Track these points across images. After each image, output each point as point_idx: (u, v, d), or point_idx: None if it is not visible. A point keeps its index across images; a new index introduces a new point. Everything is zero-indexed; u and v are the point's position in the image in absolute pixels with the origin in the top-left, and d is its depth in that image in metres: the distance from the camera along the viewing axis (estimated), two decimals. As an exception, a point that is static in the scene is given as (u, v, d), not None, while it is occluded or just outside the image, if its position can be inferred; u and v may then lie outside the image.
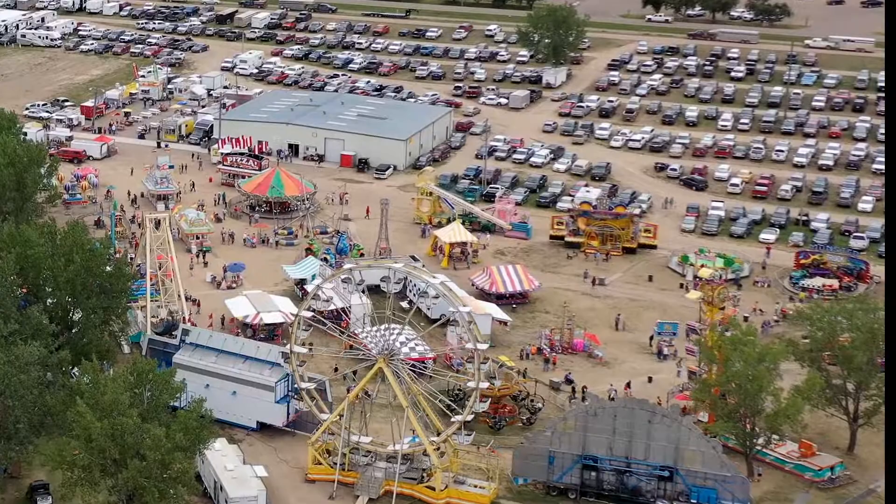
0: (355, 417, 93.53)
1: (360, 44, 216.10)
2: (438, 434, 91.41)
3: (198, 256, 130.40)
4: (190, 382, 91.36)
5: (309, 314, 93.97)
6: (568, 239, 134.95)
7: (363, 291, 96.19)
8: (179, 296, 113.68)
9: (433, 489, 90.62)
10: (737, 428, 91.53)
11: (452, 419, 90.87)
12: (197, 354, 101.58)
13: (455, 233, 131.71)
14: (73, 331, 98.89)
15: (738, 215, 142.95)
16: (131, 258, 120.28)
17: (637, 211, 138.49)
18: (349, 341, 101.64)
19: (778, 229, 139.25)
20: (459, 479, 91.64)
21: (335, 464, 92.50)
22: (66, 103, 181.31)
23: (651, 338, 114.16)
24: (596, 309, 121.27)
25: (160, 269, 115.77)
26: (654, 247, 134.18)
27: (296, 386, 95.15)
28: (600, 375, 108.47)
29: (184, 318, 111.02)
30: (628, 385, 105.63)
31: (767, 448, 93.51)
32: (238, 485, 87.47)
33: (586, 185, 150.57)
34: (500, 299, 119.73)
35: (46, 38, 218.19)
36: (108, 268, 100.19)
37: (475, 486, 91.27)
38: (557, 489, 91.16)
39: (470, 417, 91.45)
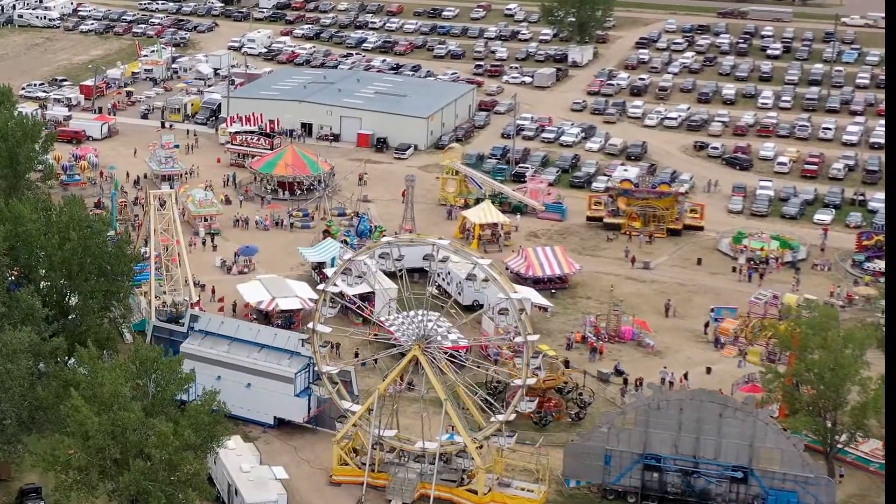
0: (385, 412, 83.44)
1: (374, 23, 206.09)
2: (480, 429, 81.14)
3: (204, 244, 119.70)
4: (199, 374, 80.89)
5: (336, 289, 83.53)
6: (607, 220, 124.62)
7: (400, 271, 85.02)
8: (187, 281, 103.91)
9: (475, 492, 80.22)
10: (817, 423, 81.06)
11: (492, 419, 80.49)
12: (207, 343, 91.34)
13: (485, 213, 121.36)
14: (70, 317, 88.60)
15: (789, 195, 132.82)
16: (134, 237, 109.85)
17: (683, 189, 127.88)
18: (376, 328, 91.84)
19: (833, 209, 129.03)
20: (504, 482, 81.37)
21: (363, 464, 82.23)
22: (65, 83, 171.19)
23: (706, 325, 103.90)
24: (643, 294, 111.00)
25: (166, 251, 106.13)
26: (700, 228, 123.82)
27: (316, 369, 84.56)
28: (653, 366, 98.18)
29: (192, 303, 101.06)
30: (685, 376, 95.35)
31: (849, 446, 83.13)
32: (255, 488, 77.38)
33: (622, 165, 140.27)
34: (538, 284, 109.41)
35: (45, 18, 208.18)
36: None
37: (522, 489, 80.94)
38: (615, 492, 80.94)
39: (512, 417, 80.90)
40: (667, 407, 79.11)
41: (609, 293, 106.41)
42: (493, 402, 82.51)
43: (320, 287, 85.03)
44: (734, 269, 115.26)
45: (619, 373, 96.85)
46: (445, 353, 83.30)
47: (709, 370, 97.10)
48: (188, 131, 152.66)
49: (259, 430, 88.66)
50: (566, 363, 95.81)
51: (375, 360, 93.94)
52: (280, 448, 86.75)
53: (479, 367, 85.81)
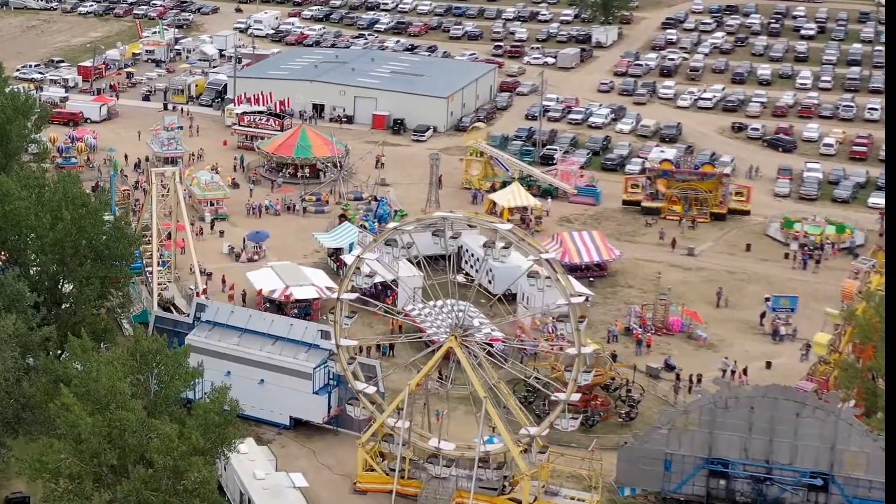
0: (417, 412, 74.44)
1: (386, 4, 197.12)
2: (534, 424, 71.75)
3: (201, 231, 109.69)
4: (207, 369, 71.84)
5: (352, 296, 74.29)
6: (645, 204, 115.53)
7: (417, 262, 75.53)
8: (193, 269, 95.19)
9: (519, 502, 71.04)
10: (903, 423, 71.83)
11: (553, 396, 71.01)
12: (215, 335, 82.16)
13: (514, 196, 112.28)
14: (63, 306, 79.55)
15: (839, 178, 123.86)
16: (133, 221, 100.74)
17: (727, 170, 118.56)
18: (401, 320, 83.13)
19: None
20: (551, 490, 72.20)
21: (392, 470, 73.11)
22: (62, 64, 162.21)
23: (762, 315, 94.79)
24: (689, 282, 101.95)
25: (168, 238, 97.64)
26: (746, 212, 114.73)
27: (349, 385, 75.32)
28: (706, 359, 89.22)
29: (197, 292, 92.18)
30: (745, 371, 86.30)
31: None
32: (271, 497, 68.36)
33: (658, 146, 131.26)
34: (574, 271, 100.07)
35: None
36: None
37: (572, 499, 71.80)
38: (676, 501, 71.59)
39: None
40: (735, 405, 69.93)
41: (654, 281, 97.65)
42: (547, 379, 73.52)
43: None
44: (787, 256, 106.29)
45: (669, 367, 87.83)
46: (484, 346, 74.17)
47: (769, 364, 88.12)
48: (182, 110, 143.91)
49: (274, 431, 79.65)
50: (613, 357, 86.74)
51: (392, 346, 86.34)
52: (297, 452, 77.69)
53: (522, 361, 76.79)
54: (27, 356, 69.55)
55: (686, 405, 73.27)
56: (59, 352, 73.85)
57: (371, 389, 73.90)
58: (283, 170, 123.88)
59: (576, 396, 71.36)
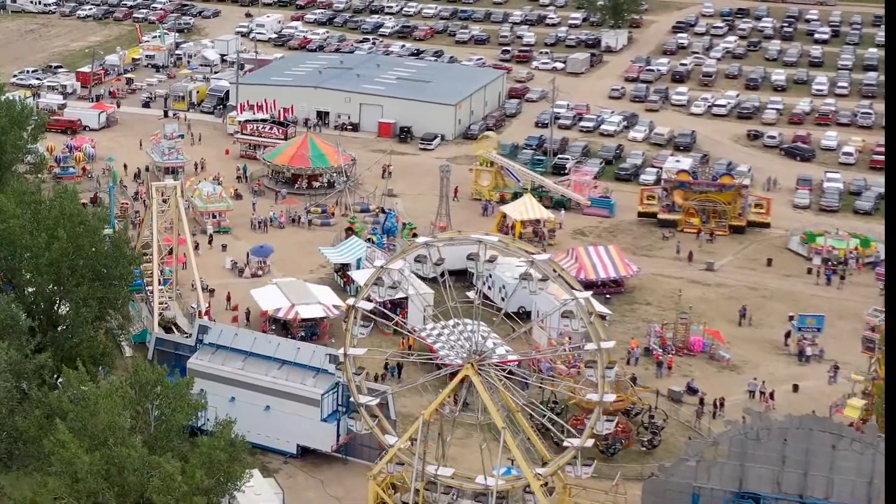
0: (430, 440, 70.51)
1: (391, 7, 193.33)
2: (544, 464, 68.27)
3: (197, 247, 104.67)
4: (210, 394, 68.37)
5: (369, 305, 70.30)
6: (661, 216, 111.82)
7: (443, 276, 71.02)
8: (194, 285, 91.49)
9: (539, 538, 67.45)
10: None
11: (566, 442, 67.51)
12: (218, 358, 78.47)
13: (526, 208, 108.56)
14: (59, 328, 75.94)
15: (860, 188, 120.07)
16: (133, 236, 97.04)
17: (747, 181, 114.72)
18: (411, 339, 79.38)
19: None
20: (574, 525, 68.65)
21: (405, 503, 69.41)
22: (60, 69, 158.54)
23: (787, 334, 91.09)
24: (709, 299, 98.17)
25: (170, 254, 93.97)
26: (766, 225, 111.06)
27: (351, 400, 71.69)
28: (729, 382, 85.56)
29: (200, 312, 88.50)
30: (772, 395, 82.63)
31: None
32: (278, 534, 64.84)
33: (673, 155, 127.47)
34: (589, 288, 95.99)
35: (39, 3, 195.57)
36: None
37: (595, 534, 68.34)
38: (704, 537, 68.06)
39: (590, 443, 68.04)
40: (768, 437, 66.29)
41: (674, 298, 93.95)
42: (563, 423, 69.90)
43: (350, 301, 71.67)
44: (809, 271, 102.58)
45: (692, 391, 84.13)
46: (502, 370, 70.35)
47: (796, 388, 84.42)
48: (180, 116, 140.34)
49: (280, 460, 76.03)
50: (633, 380, 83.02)
51: (399, 367, 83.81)
52: (305, 483, 74.06)
53: (542, 384, 73.07)
54: (22, 384, 66.03)
55: (715, 436, 69.62)
56: (56, 376, 70.22)
57: (373, 401, 69.47)
58: (299, 181, 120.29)
59: (610, 397, 67.54)
